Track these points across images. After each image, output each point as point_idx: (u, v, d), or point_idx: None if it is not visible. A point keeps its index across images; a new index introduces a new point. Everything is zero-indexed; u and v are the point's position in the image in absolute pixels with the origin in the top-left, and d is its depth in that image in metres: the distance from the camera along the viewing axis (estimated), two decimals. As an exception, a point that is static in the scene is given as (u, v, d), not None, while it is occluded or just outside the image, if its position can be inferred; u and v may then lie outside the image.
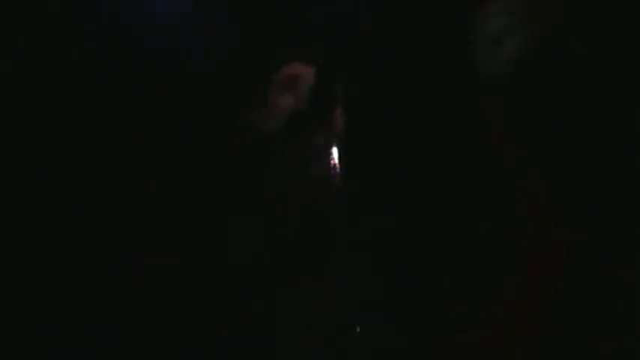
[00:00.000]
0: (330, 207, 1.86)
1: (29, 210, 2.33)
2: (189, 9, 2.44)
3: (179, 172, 2.33)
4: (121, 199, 2.35)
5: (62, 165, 2.36)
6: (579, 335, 2.31)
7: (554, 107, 2.44)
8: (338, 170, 1.87)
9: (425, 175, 2.05)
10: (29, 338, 2.26)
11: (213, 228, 2.03)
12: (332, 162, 1.87)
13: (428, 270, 2.09)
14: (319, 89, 1.89)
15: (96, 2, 2.43)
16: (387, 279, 1.93)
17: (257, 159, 1.94)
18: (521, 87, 2.45)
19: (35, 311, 2.28)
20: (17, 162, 2.35)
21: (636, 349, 2.28)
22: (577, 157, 2.40)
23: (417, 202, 2.00)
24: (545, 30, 1.94)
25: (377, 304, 1.87)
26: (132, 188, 2.35)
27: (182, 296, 2.23)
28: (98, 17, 2.42)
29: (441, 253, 2.19)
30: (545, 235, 2.39)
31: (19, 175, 2.35)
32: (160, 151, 2.37)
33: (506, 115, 2.44)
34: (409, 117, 2.25)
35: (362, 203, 1.88)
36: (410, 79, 2.42)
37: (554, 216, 2.40)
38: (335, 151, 1.88)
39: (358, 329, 1.79)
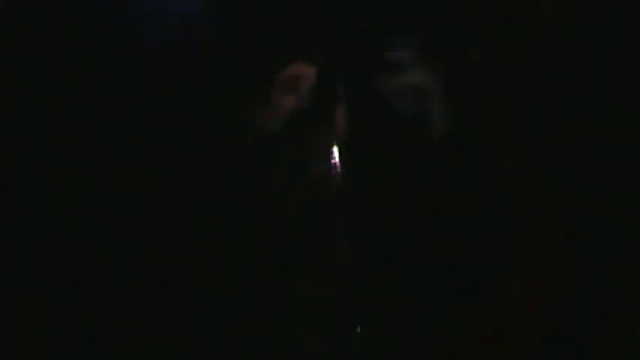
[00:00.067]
0: (331, 207, 1.86)
1: (29, 210, 2.33)
2: (189, 9, 2.44)
3: (179, 172, 2.33)
4: (120, 199, 2.35)
5: (62, 165, 2.36)
6: (579, 335, 2.31)
7: (554, 107, 2.44)
8: (339, 170, 1.87)
9: (425, 175, 2.05)
10: (29, 338, 2.26)
11: (214, 228, 2.03)
12: (333, 162, 1.87)
13: (428, 270, 2.09)
14: (320, 89, 1.89)
15: (96, 2, 2.43)
16: (387, 279, 1.93)
17: (257, 159, 1.94)
18: (521, 87, 2.45)
19: (35, 311, 2.27)
20: (17, 162, 2.35)
21: (636, 349, 2.28)
22: (577, 157, 2.40)
23: (417, 202, 1.99)
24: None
25: (377, 304, 1.87)
26: (132, 188, 2.35)
27: (182, 296, 2.23)
28: (98, 17, 2.42)
29: (441, 253, 2.19)
30: (546, 235, 2.39)
31: (19, 175, 2.34)
32: (160, 151, 2.37)
33: (506, 115, 2.44)
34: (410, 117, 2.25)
35: (362, 203, 1.88)
36: (410, 79, 2.42)
37: (554, 216, 2.40)
38: (336, 151, 1.88)
39: (359, 329, 1.79)
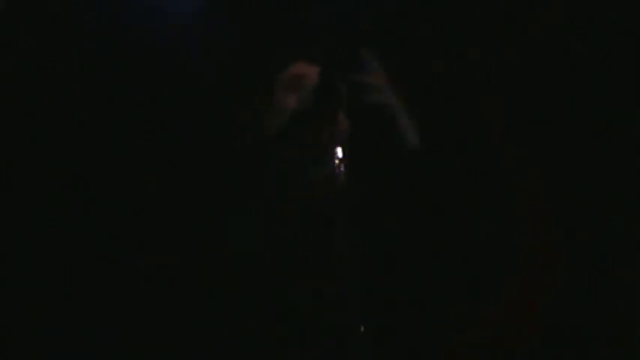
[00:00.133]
0: (332, 207, 1.85)
1: (29, 210, 2.33)
2: (190, 9, 2.44)
3: (180, 172, 2.33)
4: (121, 199, 2.35)
5: (62, 165, 2.36)
6: (579, 335, 2.31)
7: (554, 107, 2.44)
8: (340, 170, 1.86)
9: (425, 175, 2.05)
10: (29, 338, 2.26)
11: (214, 228, 2.03)
12: (334, 163, 1.87)
13: (428, 270, 2.09)
14: (322, 89, 1.89)
15: (96, 2, 2.42)
16: (388, 279, 1.93)
17: (258, 159, 1.94)
18: (521, 87, 2.45)
19: (35, 311, 2.27)
20: (17, 162, 2.35)
21: (636, 349, 2.28)
22: (577, 157, 2.40)
23: (417, 202, 1.99)
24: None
25: (377, 304, 1.87)
26: (132, 188, 2.35)
27: (182, 296, 2.23)
28: (98, 17, 2.42)
29: (441, 253, 2.19)
30: (546, 235, 2.39)
31: (19, 175, 2.34)
32: (160, 151, 2.37)
33: (506, 115, 2.44)
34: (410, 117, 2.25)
35: (363, 203, 1.87)
36: (410, 79, 2.42)
37: (554, 216, 2.40)
38: (338, 151, 1.88)
39: (362, 329, 1.79)
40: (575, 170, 2.39)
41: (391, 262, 1.94)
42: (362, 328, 1.79)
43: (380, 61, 2.00)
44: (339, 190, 1.85)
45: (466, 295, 2.32)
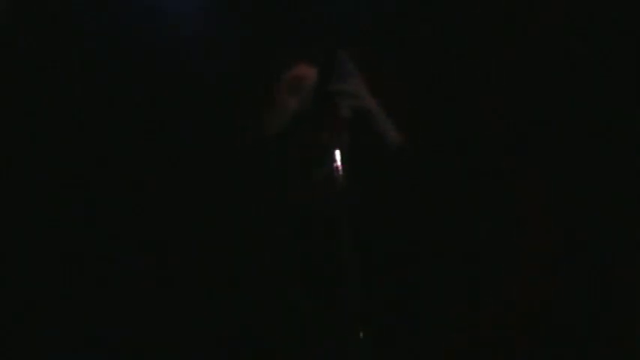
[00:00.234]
0: (332, 208, 1.86)
1: (29, 210, 2.33)
2: (191, 9, 2.44)
3: (179, 172, 2.33)
4: (120, 199, 2.35)
5: (62, 165, 2.36)
6: (579, 335, 2.31)
7: (554, 107, 2.44)
8: (341, 171, 1.86)
9: (425, 175, 2.05)
10: (29, 338, 2.26)
11: (215, 228, 2.03)
12: (334, 163, 1.87)
13: (428, 270, 2.09)
14: (323, 91, 1.89)
15: (98, 3, 2.43)
16: (388, 279, 1.93)
17: (260, 160, 1.94)
18: (521, 87, 2.45)
19: (35, 311, 2.27)
20: (17, 162, 2.35)
21: (636, 349, 2.28)
22: (577, 157, 2.40)
23: (417, 202, 2.00)
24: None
25: (377, 304, 1.88)
26: (133, 188, 2.35)
27: (182, 296, 2.23)
28: (100, 18, 2.42)
29: (441, 253, 2.19)
30: (545, 235, 2.39)
31: (19, 175, 2.34)
32: (161, 151, 2.37)
33: (506, 115, 2.44)
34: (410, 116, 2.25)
35: (363, 204, 1.88)
36: (410, 79, 2.42)
37: (554, 216, 2.40)
38: (338, 153, 1.88)
39: (362, 335, 1.79)
40: (574, 170, 2.40)
41: (391, 262, 1.94)
42: (361, 334, 1.80)
43: (364, 64, 2.01)
44: (338, 191, 1.85)
45: (466, 295, 2.32)
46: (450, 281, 2.26)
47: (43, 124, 2.38)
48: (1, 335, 2.24)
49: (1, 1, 2.39)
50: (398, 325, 1.96)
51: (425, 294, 2.09)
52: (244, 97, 2.21)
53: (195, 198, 2.21)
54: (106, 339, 2.25)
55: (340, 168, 1.87)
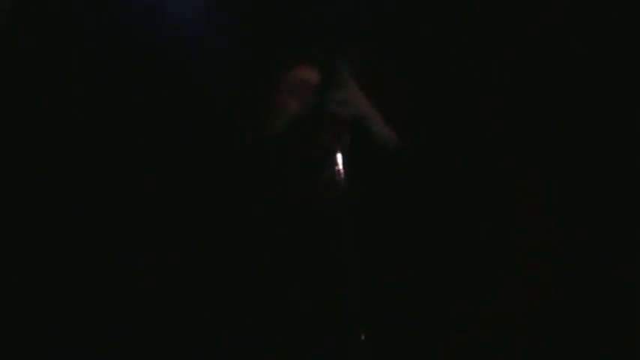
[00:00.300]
0: (333, 209, 1.86)
1: (29, 210, 2.33)
2: (191, 10, 2.44)
3: (179, 172, 2.33)
4: (120, 199, 2.35)
5: (62, 165, 2.36)
6: (579, 335, 2.31)
7: (554, 107, 2.44)
8: (342, 174, 1.86)
9: (425, 175, 2.05)
10: (29, 338, 2.26)
11: (215, 228, 2.03)
12: (335, 166, 1.87)
13: (428, 270, 2.09)
14: (324, 93, 1.89)
15: (100, 4, 2.43)
16: (388, 279, 1.93)
17: (260, 161, 1.94)
18: (521, 87, 2.45)
19: (35, 311, 2.27)
20: (17, 162, 2.35)
21: (636, 349, 2.28)
22: (577, 157, 2.40)
23: (417, 203, 2.00)
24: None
25: (377, 304, 1.88)
26: (131, 188, 2.35)
27: (182, 296, 2.23)
28: (100, 18, 2.42)
29: (441, 253, 2.19)
30: (546, 235, 2.39)
31: (19, 175, 2.34)
32: (161, 151, 2.37)
33: (506, 115, 2.44)
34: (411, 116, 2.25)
35: (364, 205, 1.88)
36: (410, 79, 2.42)
37: (554, 216, 2.40)
38: (339, 156, 1.88)
39: (363, 337, 1.79)
40: (574, 170, 2.40)
41: (391, 262, 1.94)
42: (362, 336, 1.80)
43: (364, 64, 2.02)
44: (340, 193, 1.85)
45: (466, 295, 2.32)
46: (450, 281, 2.26)
47: (43, 124, 2.38)
48: (1, 335, 2.25)
49: (1, 1, 2.39)
50: (398, 325, 1.96)
51: (425, 294, 2.09)
52: (245, 98, 2.21)
53: (196, 198, 2.21)
54: (106, 339, 2.25)
55: (342, 171, 1.87)
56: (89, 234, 2.32)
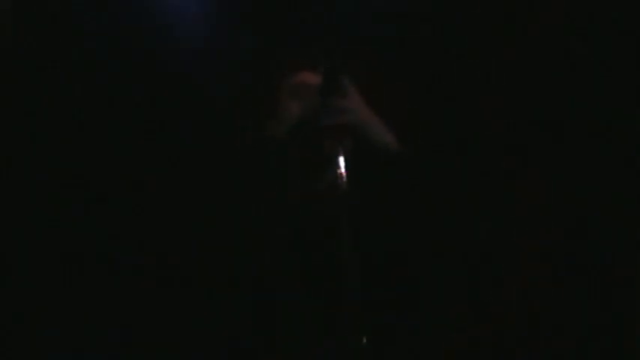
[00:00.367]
0: (335, 213, 1.86)
1: (29, 210, 2.33)
2: (193, 11, 2.44)
3: (180, 172, 2.33)
4: (121, 199, 2.35)
5: (62, 165, 2.36)
6: (579, 335, 2.31)
7: (554, 107, 2.44)
8: (344, 178, 1.86)
9: (425, 175, 2.05)
10: (29, 338, 2.26)
11: (216, 229, 2.03)
12: (337, 170, 1.87)
13: (428, 270, 2.09)
14: (325, 100, 1.89)
15: (99, 3, 2.43)
16: (388, 279, 1.93)
17: (261, 162, 1.94)
18: (521, 87, 2.45)
19: (35, 311, 2.27)
20: (17, 162, 2.35)
21: (636, 349, 2.28)
22: (577, 157, 2.40)
23: (417, 202, 2.00)
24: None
25: (377, 304, 1.88)
26: (132, 188, 2.35)
27: (182, 296, 2.23)
28: (99, 17, 2.42)
29: (441, 254, 2.19)
30: (545, 235, 2.39)
31: (19, 175, 2.34)
32: (161, 151, 2.37)
33: (506, 115, 2.44)
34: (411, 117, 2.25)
35: (364, 204, 1.88)
36: (410, 79, 2.42)
37: (554, 216, 2.40)
38: (341, 160, 1.88)
39: (365, 340, 1.79)
40: (574, 170, 2.39)
41: (391, 262, 1.94)
42: (364, 339, 1.80)
43: (363, 64, 2.02)
44: (341, 195, 1.86)
45: (466, 295, 2.32)
46: (450, 281, 2.26)
47: (43, 124, 2.38)
48: (1, 335, 2.24)
49: (2, 1, 2.39)
50: (398, 325, 1.96)
51: (425, 294, 2.09)
52: (245, 99, 2.21)
53: (196, 198, 2.21)
54: (106, 339, 2.25)
55: (344, 175, 1.88)
56: (89, 234, 2.32)
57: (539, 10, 2.45)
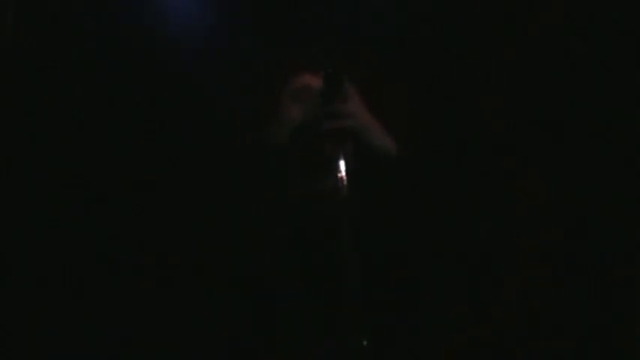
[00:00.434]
0: (335, 209, 1.86)
1: (29, 210, 2.33)
2: (193, 11, 2.44)
3: (181, 172, 2.33)
4: (121, 199, 2.35)
5: (62, 165, 2.36)
6: (579, 335, 2.31)
7: (554, 107, 2.44)
8: (345, 181, 1.87)
9: (425, 175, 2.05)
10: (29, 338, 2.26)
11: (215, 229, 2.04)
12: (338, 174, 1.87)
13: (428, 270, 2.09)
14: (326, 105, 1.89)
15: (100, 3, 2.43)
16: (388, 279, 1.94)
17: (261, 162, 1.94)
18: (521, 87, 2.45)
19: (35, 311, 2.27)
20: (17, 162, 2.35)
21: (636, 349, 2.28)
22: (576, 157, 2.40)
23: (417, 202, 2.00)
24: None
25: (377, 305, 1.88)
26: (132, 189, 2.35)
27: (182, 296, 2.23)
28: (99, 17, 2.42)
29: (441, 254, 2.19)
30: (545, 235, 2.39)
31: (19, 175, 2.34)
32: (161, 151, 2.37)
33: (506, 115, 2.44)
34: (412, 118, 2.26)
35: (365, 205, 1.88)
36: (410, 79, 2.42)
37: (554, 216, 2.40)
38: (342, 164, 1.88)
39: (365, 343, 1.79)
40: (574, 170, 2.39)
41: (391, 262, 1.95)
42: (365, 342, 1.80)
43: (363, 64, 2.03)
44: (342, 198, 1.86)
45: (466, 295, 2.32)
46: (450, 281, 2.26)
47: (43, 124, 2.38)
48: (1, 335, 2.25)
49: (2, 1, 2.39)
50: (398, 325, 1.96)
51: (425, 294, 2.09)
52: (245, 99, 2.21)
53: (196, 198, 2.21)
54: (106, 339, 2.25)
55: (344, 179, 1.88)
56: (89, 234, 2.32)
57: (539, 10, 2.45)
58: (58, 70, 2.40)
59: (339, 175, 1.88)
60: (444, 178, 2.20)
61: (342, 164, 1.90)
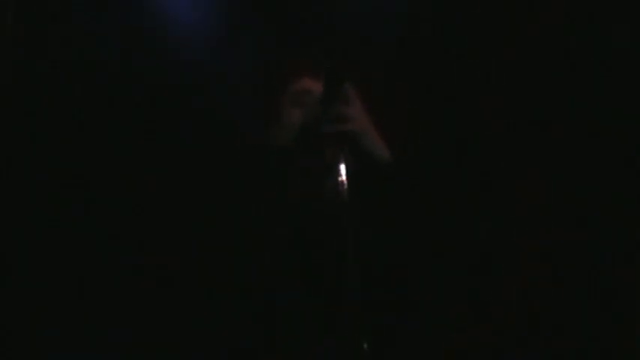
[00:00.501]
0: (335, 210, 1.86)
1: (29, 210, 2.33)
2: (195, 12, 2.44)
3: (181, 173, 2.33)
4: (121, 199, 2.35)
5: (62, 165, 2.36)
6: (579, 335, 2.31)
7: (554, 107, 2.44)
8: (345, 183, 1.87)
9: (425, 175, 2.05)
10: (29, 338, 2.26)
11: (215, 229, 2.04)
12: (338, 177, 1.87)
13: (428, 271, 2.09)
14: (326, 108, 1.89)
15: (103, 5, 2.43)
16: (388, 279, 1.93)
17: (261, 162, 1.94)
18: (521, 87, 2.45)
19: (35, 311, 2.28)
20: (17, 162, 2.35)
21: (636, 349, 2.28)
22: (576, 157, 2.40)
23: (417, 202, 2.00)
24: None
25: (377, 305, 1.88)
26: (132, 189, 2.35)
27: (182, 296, 2.23)
28: (99, 17, 2.42)
29: (441, 254, 2.19)
30: (545, 235, 2.39)
31: (19, 175, 2.34)
32: (161, 151, 2.38)
33: (506, 115, 2.44)
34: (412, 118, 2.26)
35: (365, 206, 1.88)
36: (410, 79, 2.42)
37: (554, 216, 2.40)
38: (343, 167, 1.88)
39: (365, 346, 1.79)
40: (574, 170, 2.39)
41: (391, 263, 1.94)
42: (365, 345, 1.80)
43: (363, 64, 2.03)
44: (342, 201, 1.86)
45: (466, 295, 2.32)
46: (449, 281, 2.26)
47: (43, 124, 2.38)
48: (1, 335, 2.25)
49: (2, 1, 2.39)
50: (398, 325, 1.96)
51: (425, 294, 2.09)
52: (245, 100, 2.21)
53: (196, 198, 2.21)
54: (106, 339, 2.25)
55: (345, 182, 1.88)
56: (89, 234, 2.32)
57: (539, 10, 2.45)
58: (57, 70, 2.40)
59: (339, 178, 1.88)
60: (444, 177, 2.21)
61: (342, 167, 1.90)
